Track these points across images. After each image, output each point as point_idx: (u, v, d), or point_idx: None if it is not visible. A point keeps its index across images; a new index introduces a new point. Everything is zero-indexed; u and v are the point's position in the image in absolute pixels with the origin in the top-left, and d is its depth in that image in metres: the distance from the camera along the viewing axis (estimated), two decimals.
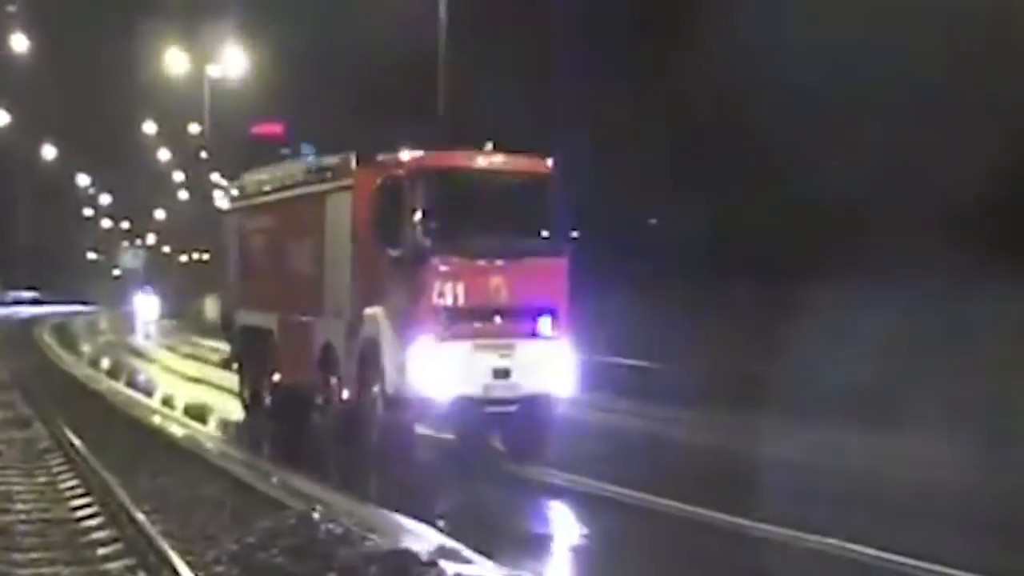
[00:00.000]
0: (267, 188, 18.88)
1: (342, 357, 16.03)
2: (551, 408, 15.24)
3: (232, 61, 53.00)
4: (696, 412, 18.59)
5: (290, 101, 52.77)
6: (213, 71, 54.77)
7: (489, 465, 15.34)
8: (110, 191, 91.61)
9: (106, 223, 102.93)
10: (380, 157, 15.59)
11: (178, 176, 71.66)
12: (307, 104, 48.40)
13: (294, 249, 17.65)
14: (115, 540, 10.41)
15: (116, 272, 78.52)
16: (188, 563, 9.14)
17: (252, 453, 16.25)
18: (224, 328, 20.82)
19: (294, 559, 9.47)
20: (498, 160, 15.51)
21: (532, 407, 15.06)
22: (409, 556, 9.29)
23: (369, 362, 15.33)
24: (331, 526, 10.27)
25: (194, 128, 61.52)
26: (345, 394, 15.92)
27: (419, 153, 15.16)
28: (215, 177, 67.06)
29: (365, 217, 15.52)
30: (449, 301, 14.70)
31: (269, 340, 18.44)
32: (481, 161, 15.47)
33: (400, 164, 15.12)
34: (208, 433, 18.44)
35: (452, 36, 28.68)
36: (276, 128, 63.48)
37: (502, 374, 14.86)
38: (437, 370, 14.55)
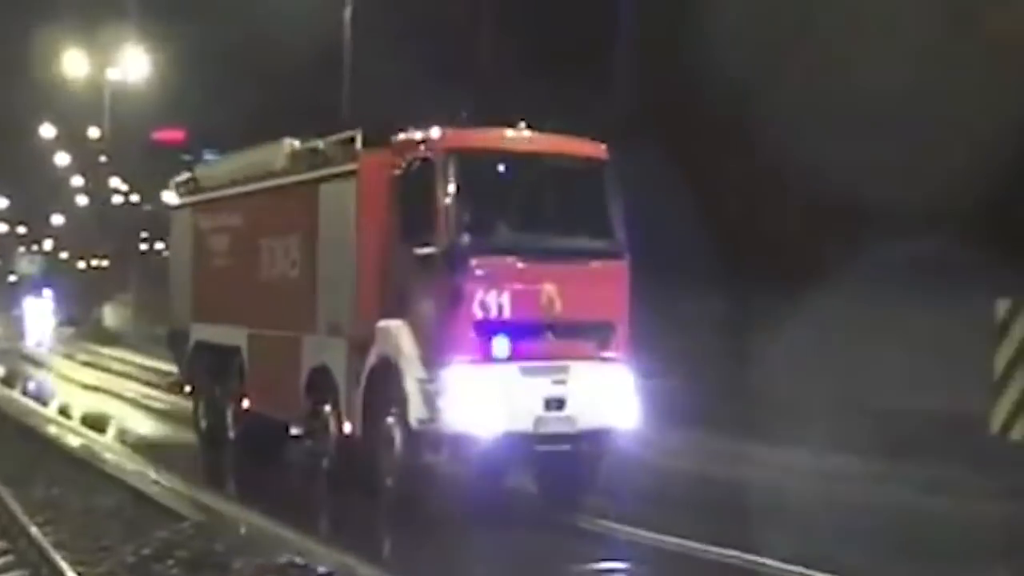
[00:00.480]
0: (233, 178, 14.88)
1: (341, 381, 12.26)
2: (608, 445, 11.80)
3: (133, 64, 49.60)
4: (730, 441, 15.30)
5: (193, 105, 49.57)
6: (113, 74, 50.96)
7: (525, 512, 11.79)
8: (6, 195, 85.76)
9: (1, 228, 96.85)
10: (399, 136, 11.95)
11: (77, 181, 66.68)
12: (210, 108, 45.54)
13: (272, 250, 13.71)
14: (6, 552, 9.72)
15: (12, 278, 73.25)
16: (80, 575, 8.62)
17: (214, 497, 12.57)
18: (172, 344, 16.73)
19: (190, 570, 8.94)
20: (548, 141, 11.83)
21: (587, 444, 11.64)
22: (307, 569, 8.85)
23: (382, 389, 11.61)
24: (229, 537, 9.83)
25: (94, 132, 57.42)
26: (346, 427, 12.23)
27: (452, 131, 11.55)
28: (115, 182, 62.79)
29: (377, 209, 11.83)
30: (492, 313, 11.07)
31: (235, 360, 14.51)
32: (528, 142, 11.78)
33: (429, 143, 11.39)
34: (106, 443, 16.51)
35: (360, 35, 27.00)
36: (177, 134, 59.78)
37: (555, 405, 11.23)
38: (478, 400, 10.89)
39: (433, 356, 11.10)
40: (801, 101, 18.65)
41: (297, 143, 13.73)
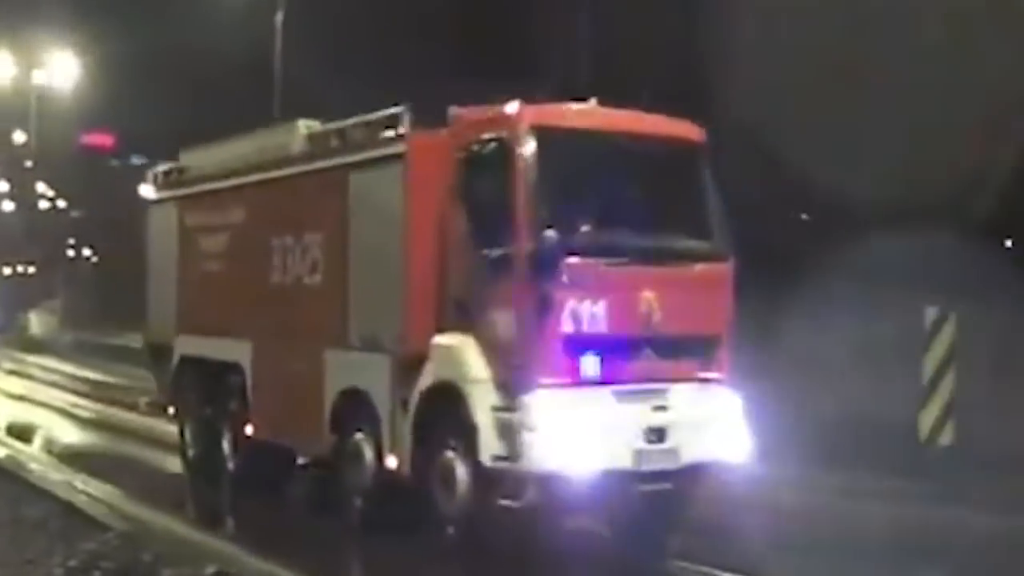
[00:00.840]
0: (232, 167, 12.25)
1: (382, 407, 9.79)
2: (711, 482, 9.57)
3: (60, 68, 46.67)
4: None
5: (122, 110, 47.29)
6: (40, 77, 47.92)
7: (611, 560, 9.55)
8: None
9: None
10: (462, 112, 9.49)
11: (2, 186, 62.88)
12: (140, 113, 43.60)
13: (285, 250, 11.14)
14: None
15: None
16: None
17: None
18: (151, 360, 13.98)
19: None
20: (643, 120, 9.50)
21: (691, 481, 9.43)
22: None
23: (440, 417, 9.20)
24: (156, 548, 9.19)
25: (20, 137, 54.09)
26: (389, 462, 9.88)
27: (533, 106, 9.10)
28: (42, 187, 59.61)
29: (431, 201, 9.40)
30: (585, 326, 8.78)
31: (234, 378, 11.91)
32: (622, 120, 9.39)
33: (506, 120, 8.99)
34: (32, 453, 15.09)
35: (290, 38, 26.25)
36: (106, 138, 56.36)
37: (656, 436, 9.01)
38: (573, 432, 8.58)
39: (512, 379, 8.73)
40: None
41: (316, 124, 11.34)
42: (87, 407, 20.88)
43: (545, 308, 8.60)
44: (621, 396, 8.88)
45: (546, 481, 8.61)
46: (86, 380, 26.12)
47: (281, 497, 11.69)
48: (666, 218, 9.36)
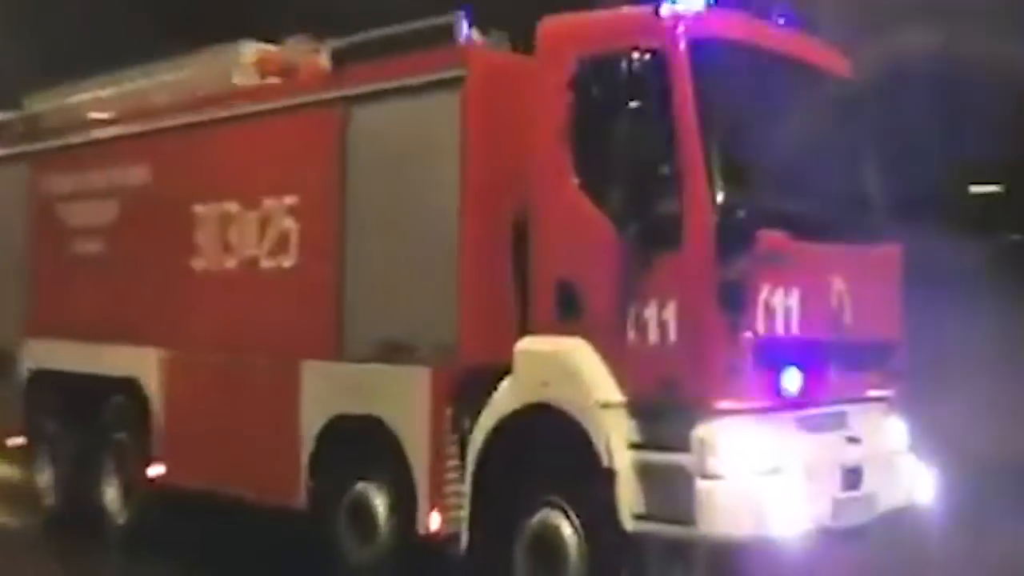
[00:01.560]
0: (126, 111, 8.43)
1: (413, 443, 6.43)
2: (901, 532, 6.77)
3: None
4: None
5: None
6: None
7: None
8: None
9: None
10: (559, 22, 6.40)
11: None
12: None
13: (224, 222, 7.52)
14: None
15: None
16: None
17: None
18: None
19: None
20: (806, 44, 6.44)
21: (884, 536, 6.56)
22: None
23: (530, 458, 6.01)
24: None
25: None
26: (432, 522, 6.58)
27: (690, 10, 5.85)
28: None
29: (508, 144, 6.20)
30: (778, 327, 5.81)
31: (126, 401, 8.19)
32: (791, 41, 6.29)
33: (655, 29, 5.75)
34: None
35: None
36: None
37: (853, 478, 6.21)
38: (769, 479, 5.62)
39: (668, 402, 5.71)
40: None
41: (268, 47, 7.87)
42: None
43: (733, 301, 5.57)
44: (806, 424, 5.98)
45: (729, 551, 5.62)
46: None
47: (202, 567, 8.06)
48: (845, 180, 6.47)
